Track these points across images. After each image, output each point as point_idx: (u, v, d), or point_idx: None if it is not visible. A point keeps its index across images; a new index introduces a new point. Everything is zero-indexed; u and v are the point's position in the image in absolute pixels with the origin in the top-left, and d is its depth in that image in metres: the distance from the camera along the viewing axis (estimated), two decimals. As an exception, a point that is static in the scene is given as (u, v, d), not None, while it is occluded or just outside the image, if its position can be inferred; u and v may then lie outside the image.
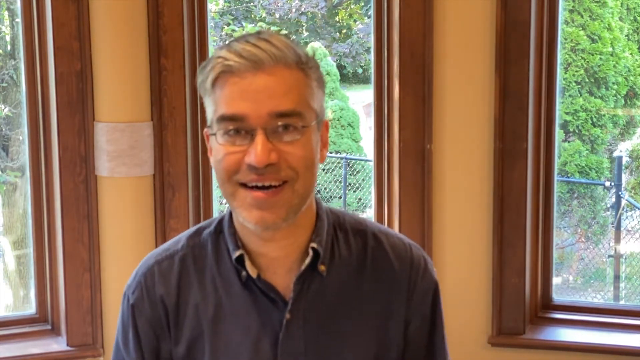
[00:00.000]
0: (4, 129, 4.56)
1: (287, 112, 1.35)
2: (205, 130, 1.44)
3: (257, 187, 1.36)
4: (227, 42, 1.40)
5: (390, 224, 2.93)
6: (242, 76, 1.35)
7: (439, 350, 1.55)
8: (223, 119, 1.36)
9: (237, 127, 1.35)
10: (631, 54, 6.47)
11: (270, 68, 1.35)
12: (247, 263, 1.44)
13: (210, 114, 1.40)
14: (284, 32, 8.86)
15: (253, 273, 1.44)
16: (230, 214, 1.48)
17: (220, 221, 1.50)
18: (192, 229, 1.53)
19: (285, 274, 1.45)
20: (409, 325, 1.51)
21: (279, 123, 1.35)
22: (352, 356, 1.47)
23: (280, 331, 1.44)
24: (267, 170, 1.34)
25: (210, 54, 2.93)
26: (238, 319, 1.45)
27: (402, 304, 1.50)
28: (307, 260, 1.44)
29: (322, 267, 1.45)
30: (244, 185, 1.37)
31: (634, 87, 6.44)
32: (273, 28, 8.89)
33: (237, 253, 1.44)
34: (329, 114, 8.19)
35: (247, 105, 1.34)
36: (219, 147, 1.37)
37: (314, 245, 1.44)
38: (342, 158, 8.15)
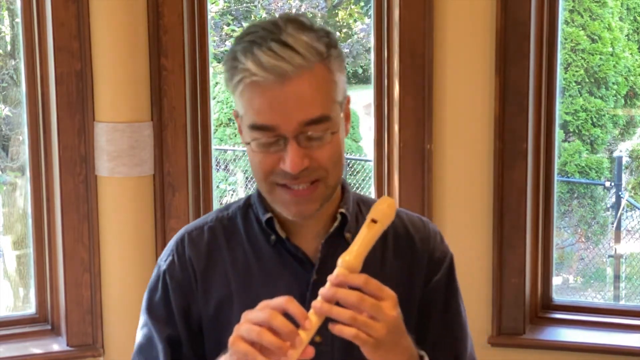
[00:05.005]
0: (4, 129, 4.56)
1: (316, 119, 1.39)
2: (235, 111, 1.48)
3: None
4: (247, 40, 1.39)
5: (390, 224, 2.93)
6: (268, 88, 1.37)
7: (455, 316, 1.60)
8: (255, 128, 1.40)
9: (269, 136, 1.39)
10: (631, 54, 6.46)
11: (295, 78, 1.36)
12: (277, 226, 1.50)
13: (239, 107, 1.44)
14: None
15: (282, 235, 1.50)
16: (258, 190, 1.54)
17: (249, 197, 1.57)
18: (222, 205, 1.61)
19: (313, 238, 1.51)
20: (426, 291, 1.57)
21: (309, 132, 1.39)
22: None
23: (307, 291, 1.49)
24: (302, 174, 1.40)
25: (210, 54, 2.95)
26: (267, 281, 1.51)
27: (422, 275, 1.57)
28: (336, 224, 1.51)
29: (348, 235, 1.51)
30: (280, 185, 1.43)
31: (634, 87, 6.44)
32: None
33: (267, 216, 1.50)
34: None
35: (277, 116, 1.38)
36: (253, 154, 1.43)
37: (342, 210, 1.51)
38: (342, 158, 8.13)
